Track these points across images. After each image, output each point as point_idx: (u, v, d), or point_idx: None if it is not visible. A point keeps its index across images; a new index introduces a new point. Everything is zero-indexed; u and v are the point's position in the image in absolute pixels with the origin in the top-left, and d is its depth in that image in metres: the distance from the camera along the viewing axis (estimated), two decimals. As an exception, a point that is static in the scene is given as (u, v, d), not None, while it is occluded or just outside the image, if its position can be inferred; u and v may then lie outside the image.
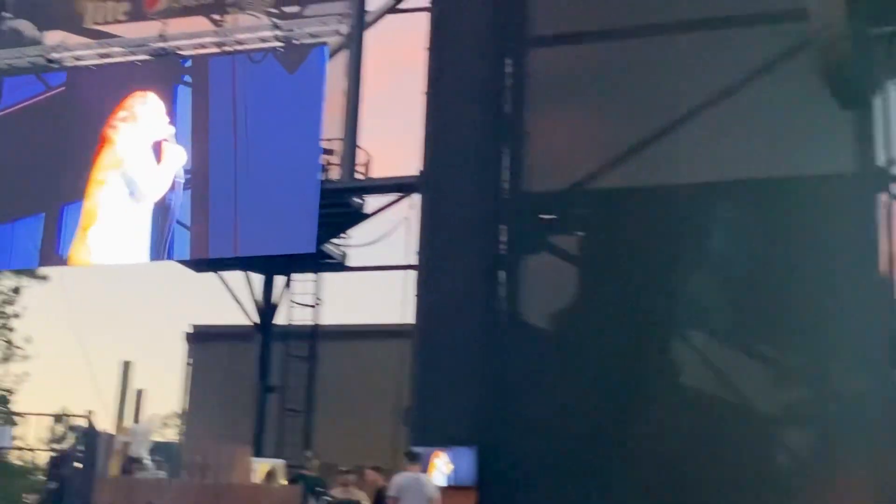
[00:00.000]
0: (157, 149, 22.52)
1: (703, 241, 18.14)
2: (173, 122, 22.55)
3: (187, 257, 22.99)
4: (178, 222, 22.13)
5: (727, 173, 18.34)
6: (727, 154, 18.33)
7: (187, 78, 23.03)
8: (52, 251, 23.34)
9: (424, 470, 16.49)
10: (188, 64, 23.14)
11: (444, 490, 16.97)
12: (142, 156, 22.65)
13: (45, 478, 15.51)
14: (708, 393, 17.68)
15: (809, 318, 17.24)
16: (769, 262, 17.75)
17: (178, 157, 22.27)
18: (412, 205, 20.85)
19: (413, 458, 15.38)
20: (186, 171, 22.22)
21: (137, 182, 22.61)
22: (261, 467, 16.99)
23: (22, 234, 23.54)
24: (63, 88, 24.21)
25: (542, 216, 19.81)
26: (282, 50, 22.30)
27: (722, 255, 17.91)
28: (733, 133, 18.42)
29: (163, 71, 23.41)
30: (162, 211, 22.22)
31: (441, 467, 17.68)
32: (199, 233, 22.05)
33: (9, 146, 24.39)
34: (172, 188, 22.16)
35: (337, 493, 16.26)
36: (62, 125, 23.92)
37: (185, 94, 22.99)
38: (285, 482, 18.18)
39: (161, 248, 22.25)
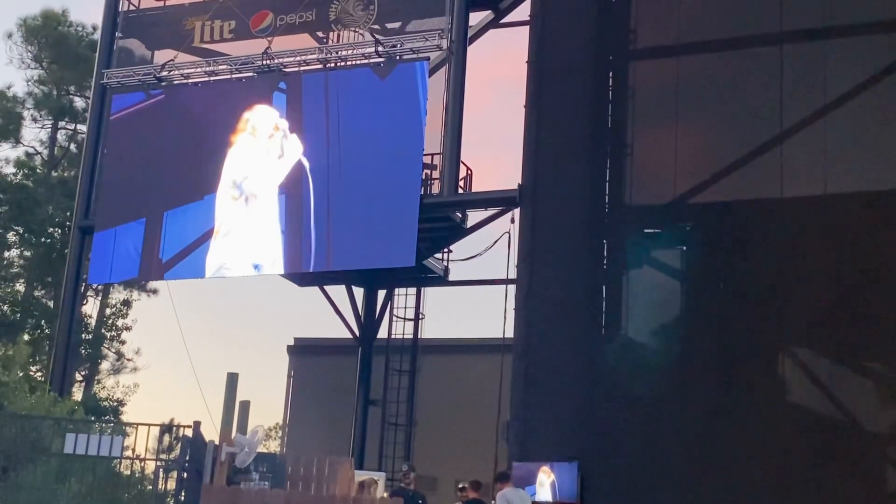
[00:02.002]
0: (276, 146, 23.11)
1: (809, 256, 17.79)
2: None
3: (283, 271, 23.35)
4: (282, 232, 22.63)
5: (833, 186, 17.97)
6: (833, 167, 17.98)
7: (283, 85, 23.42)
8: (154, 257, 23.94)
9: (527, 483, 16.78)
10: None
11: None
12: (255, 160, 23.27)
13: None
14: (815, 410, 17.33)
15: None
16: (878, 276, 17.35)
17: (295, 148, 22.74)
18: (513, 219, 20.81)
19: (505, 477, 15.78)
20: (282, 189, 22.70)
21: (245, 185, 23.16)
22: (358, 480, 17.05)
23: (123, 240, 24.14)
24: (163, 97, 24.93)
25: (644, 230, 19.63)
26: (381, 65, 22.61)
27: (829, 269, 17.57)
28: (840, 146, 18.06)
29: (262, 84, 23.88)
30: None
31: (545, 482, 17.62)
32: (294, 246, 22.39)
33: (111, 153, 25.08)
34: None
35: None
36: (164, 133, 24.51)
37: (280, 101, 23.41)
38: (385, 495, 18.28)
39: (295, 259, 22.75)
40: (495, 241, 22.11)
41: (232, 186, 23.39)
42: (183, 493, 14.71)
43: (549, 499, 17.34)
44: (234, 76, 24.37)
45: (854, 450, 16.85)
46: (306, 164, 22.62)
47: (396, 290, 25.96)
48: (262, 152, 23.24)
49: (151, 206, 24.04)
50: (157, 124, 24.69)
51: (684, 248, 19.48)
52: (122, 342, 34.59)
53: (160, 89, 24.92)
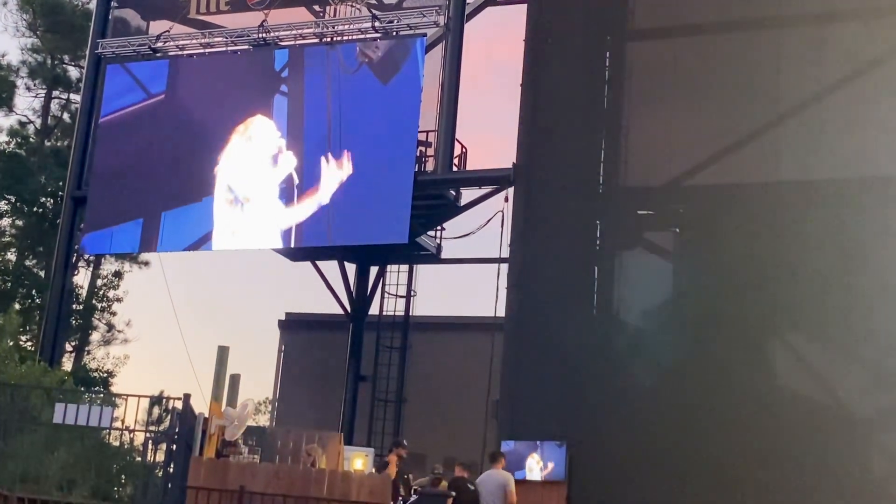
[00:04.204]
0: (273, 159, 23.00)
1: (803, 241, 17.79)
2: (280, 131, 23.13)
3: (282, 245, 23.34)
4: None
5: (829, 171, 17.96)
6: (829, 151, 17.96)
7: (284, 88, 23.24)
8: (152, 249, 24.32)
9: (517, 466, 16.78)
10: (285, 66, 23.42)
11: (536, 485, 17.02)
12: (252, 168, 23.24)
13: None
14: (804, 395, 17.37)
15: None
16: (870, 262, 17.36)
17: (289, 163, 22.64)
18: (507, 198, 20.78)
19: (494, 457, 15.62)
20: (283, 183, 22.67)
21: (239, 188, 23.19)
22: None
23: (120, 239, 24.19)
24: (163, 97, 24.67)
25: (638, 212, 19.62)
26: (377, 45, 22.40)
27: (822, 254, 17.57)
28: (836, 130, 18.04)
29: (261, 84, 23.71)
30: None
31: (532, 464, 17.66)
32: (296, 221, 22.38)
33: (108, 154, 24.88)
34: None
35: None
36: (162, 134, 24.35)
37: (281, 104, 23.27)
38: (373, 470, 18.30)
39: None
40: (489, 220, 22.11)
41: (227, 190, 23.33)
42: (172, 465, 14.73)
43: (538, 478, 17.41)
44: (229, 48, 24.22)
45: (843, 435, 16.89)
46: (295, 178, 22.62)
47: (388, 266, 25.93)
48: (258, 158, 23.24)
49: (148, 207, 23.92)
50: (154, 125, 24.50)
51: (677, 230, 19.49)
52: (113, 313, 34.46)
53: (159, 87, 24.64)
